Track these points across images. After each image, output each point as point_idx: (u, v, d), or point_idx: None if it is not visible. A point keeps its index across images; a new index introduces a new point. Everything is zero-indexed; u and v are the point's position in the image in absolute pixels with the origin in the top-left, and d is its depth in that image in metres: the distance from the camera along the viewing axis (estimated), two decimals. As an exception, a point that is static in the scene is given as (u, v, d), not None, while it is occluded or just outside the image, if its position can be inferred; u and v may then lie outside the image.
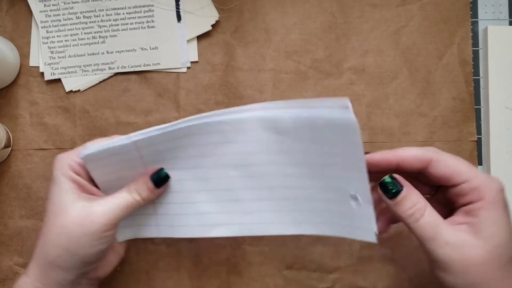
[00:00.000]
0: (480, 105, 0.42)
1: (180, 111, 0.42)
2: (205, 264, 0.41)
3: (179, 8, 0.42)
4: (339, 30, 0.42)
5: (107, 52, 0.42)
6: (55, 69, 0.42)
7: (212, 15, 0.42)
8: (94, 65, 0.42)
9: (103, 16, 0.42)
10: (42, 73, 0.43)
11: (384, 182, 0.29)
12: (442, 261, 0.27)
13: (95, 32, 0.42)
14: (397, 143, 0.42)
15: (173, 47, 0.42)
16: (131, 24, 0.42)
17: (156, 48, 0.42)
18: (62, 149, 0.42)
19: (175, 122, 0.31)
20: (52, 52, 0.42)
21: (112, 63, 0.42)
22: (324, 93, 0.42)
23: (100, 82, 0.43)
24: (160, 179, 0.33)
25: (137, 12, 0.42)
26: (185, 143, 0.32)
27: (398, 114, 0.42)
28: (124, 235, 0.37)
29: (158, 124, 0.42)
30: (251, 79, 0.42)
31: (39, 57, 0.43)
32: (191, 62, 0.42)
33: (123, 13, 0.42)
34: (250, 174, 0.32)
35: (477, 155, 0.41)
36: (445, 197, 0.31)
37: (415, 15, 0.42)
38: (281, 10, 0.42)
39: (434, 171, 0.29)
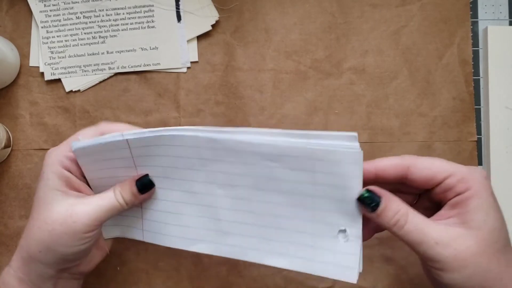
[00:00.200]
0: (480, 105, 0.42)
1: (180, 111, 0.42)
2: (205, 264, 0.41)
3: (179, 8, 0.42)
4: (339, 30, 0.42)
5: (107, 52, 0.42)
6: (55, 69, 0.42)
7: (212, 15, 0.42)
8: (94, 65, 0.42)
9: (103, 16, 0.42)
10: (42, 73, 0.43)
11: (362, 197, 0.29)
12: (436, 261, 0.27)
13: (95, 32, 0.42)
14: (397, 143, 0.42)
15: (173, 47, 0.42)
16: (131, 24, 0.42)
17: (156, 48, 0.42)
18: (62, 149, 0.42)
19: (170, 128, 0.31)
20: (52, 52, 0.42)
21: (112, 63, 0.42)
22: (324, 93, 0.42)
23: (100, 82, 0.43)
24: (144, 185, 0.33)
25: (137, 12, 0.42)
26: (176, 153, 0.32)
27: (398, 114, 0.42)
28: (111, 233, 0.37)
29: (158, 124, 0.42)
30: (251, 79, 0.42)
31: (39, 57, 0.43)
32: (191, 62, 0.42)
33: (123, 13, 0.42)
34: (235, 195, 0.32)
35: (477, 155, 0.41)
36: (429, 201, 0.31)
37: (415, 15, 0.42)
38: (281, 10, 0.42)
39: (415, 175, 0.29)
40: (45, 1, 0.42)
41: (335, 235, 0.30)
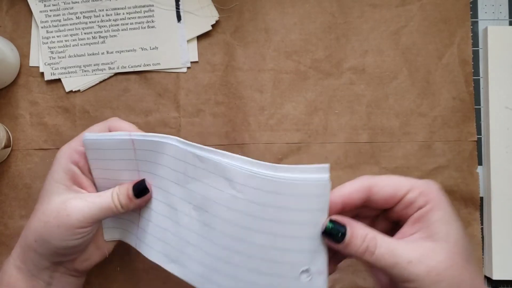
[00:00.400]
0: (480, 105, 0.42)
1: (180, 111, 0.42)
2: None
3: (179, 8, 0.42)
4: (339, 30, 0.42)
5: (107, 52, 0.42)
6: (55, 69, 0.42)
7: (212, 15, 0.42)
8: (94, 65, 0.42)
9: (103, 16, 0.42)
10: (42, 73, 0.43)
11: (327, 230, 0.27)
12: (410, 281, 0.26)
13: (95, 32, 0.42)
14: (397, 143, 0.42)
15: (173, 47, 0.42)
16: (131, 24, 0.42)
17: (156, 48, 0.42)
18: (62, 149, 0.42)
19: (171, 136, 0.31)
20: (52, 52, 0.42)
21: (112, 63, 0.42)
22: (324, 93, 0.42)
23: (100, 82, 0.43)
24: (139, 190, 0.32)
25: (137, 12, 0.42)
26: (169, 164, 0.32)
27: (398, 114, 0.42)
28: (112, 235, 0.36)
29: (158, 124, 0.42)
30: (251, 79, 0.42)
31: (39, 57, 0.43)
32: (191, 62, 0.42)
33: (123, 13, 0.42)
34: (204, 220, 0.30)
35: (477, 155, 0.41)
36: (386, 222, 0.31)
37: (415, 15, 0.42)
38: (281, 10, 0.42)
39: (379, 195, 0.28)
40: (45, 1, 0.42)
41: (296, 276, 0.28)
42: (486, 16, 0.43)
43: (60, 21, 0.42)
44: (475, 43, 0.43)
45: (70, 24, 0.42)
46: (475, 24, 0.43)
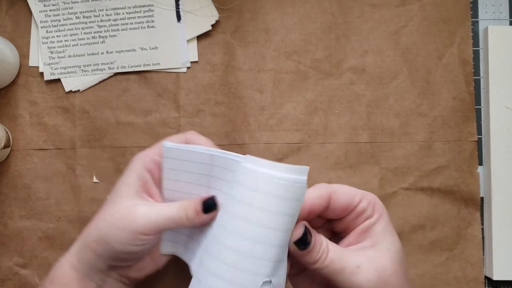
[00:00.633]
0: (480, 105, 0.42)
1: (180, 111, 0.42)
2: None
3: (179, 8, 0.42)
4: (339, 30, 0.42)
5: (107, 52, 0.42)
6: (55, 69, 0.42)
7: (212, 15, 0.42)
8: (94, 65, 0.42)
9: (102, 16, 0.42)
10: (42, 73, 0.43)
11: (303, 236, 0.27)
12: (358, 286, 0.27)
13: (94, 32, 0.42)
14: (397, 143, 0.42)
15: (173, 47, 0.42)
16: (131, 24, 0.42)
17: (156, 48, 0.42)
18: (62, 149, 0.42)
19: (250, 156, 0.28)
20: (51, 52, 0.42)
21: (111, 63, 0.42)
22: (324, 93, 0.42)
23: (100, 82, 0.43)
24: (208, 205, 0.31)
25: (137, 12, 0.42)
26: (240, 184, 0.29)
27: (398, 114, 0.42)
28: (168, 248, 0.35)
29: (158, 124, 0.42)
30: (251, 79, 0.42)
31: (39, 57, 0.42)
32: (191, 62, 0.42)
33: (123, 13, 0.42)
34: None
35: (478, 155, 0.41)
36: (328, 231, 0.32)
37: (415, 15, 0.42)
38: (281, 10, 0.42)
39: (338, 203, 0.29)
40: (44, 1, 0.42)
41: (258, 286, 0.26)
42: (486, 16, 0.43)
43: (59, 21, 0.42)
44: (476, 43, 0.43)
45: (70, 24, 0.42)
46: (475, 24, 0.43)
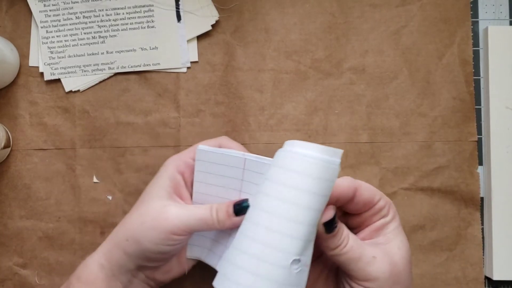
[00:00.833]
0: (480, 105, 0.42)
1: (180, 111, 0.42)
2: (205, 264, 0.41)
3: (179, 8, 0.42)
4: (339, 30, 0.42)
5: (107, 52, 0.42)
6: (55, 69, 0.42)
7: (212, 15, 0.42)
8: (94, 65, 0.42)
9: (103, 16, 0.42)
10: (42, 73, 0.43)
11: (332, 219, 0.28)
12: (372, 276, 0.28)
13: (94, 32, 0.42)
14: (397, 143, 0.42)
15: (173, 47, 0.42)
16: (131, 24, 0.42)
17: (156, 48, 0.42)
18: (62, 149, 0.42)
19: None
20: (51, 52, 0.42)
21: (112, 63, 0.42)
22: (324, 93, 0.42)
23: (100, 82, 0.43)
24: (240, 208, 0.31)
25: (137, 12, 0.42)
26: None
27: (398, 114, 0.42)
28: (194, 253, 0.35)
29: (157, 124, 0.42)
30: (251, 79, 0.42)
31: (39, 57, 0.42)
32: (191, 62, 0.42)
33: (123, 13, 0.42)
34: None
35: (478, 155, 0.41)
36: (345, 224, 0.32)
37: (415, 15, 0.42)
38: (281, 10, 0.42)
39: (362, 197, 0.30)
40: (44, 1, 0.42)
41: (287, 265, 0.26)
42: (486, 16, 0.43)
43: (59, 21, 0.42)
44: (476, 43, 0.43)
45: (70, 24, 0.42)
46: (475, 24, 0.43)
